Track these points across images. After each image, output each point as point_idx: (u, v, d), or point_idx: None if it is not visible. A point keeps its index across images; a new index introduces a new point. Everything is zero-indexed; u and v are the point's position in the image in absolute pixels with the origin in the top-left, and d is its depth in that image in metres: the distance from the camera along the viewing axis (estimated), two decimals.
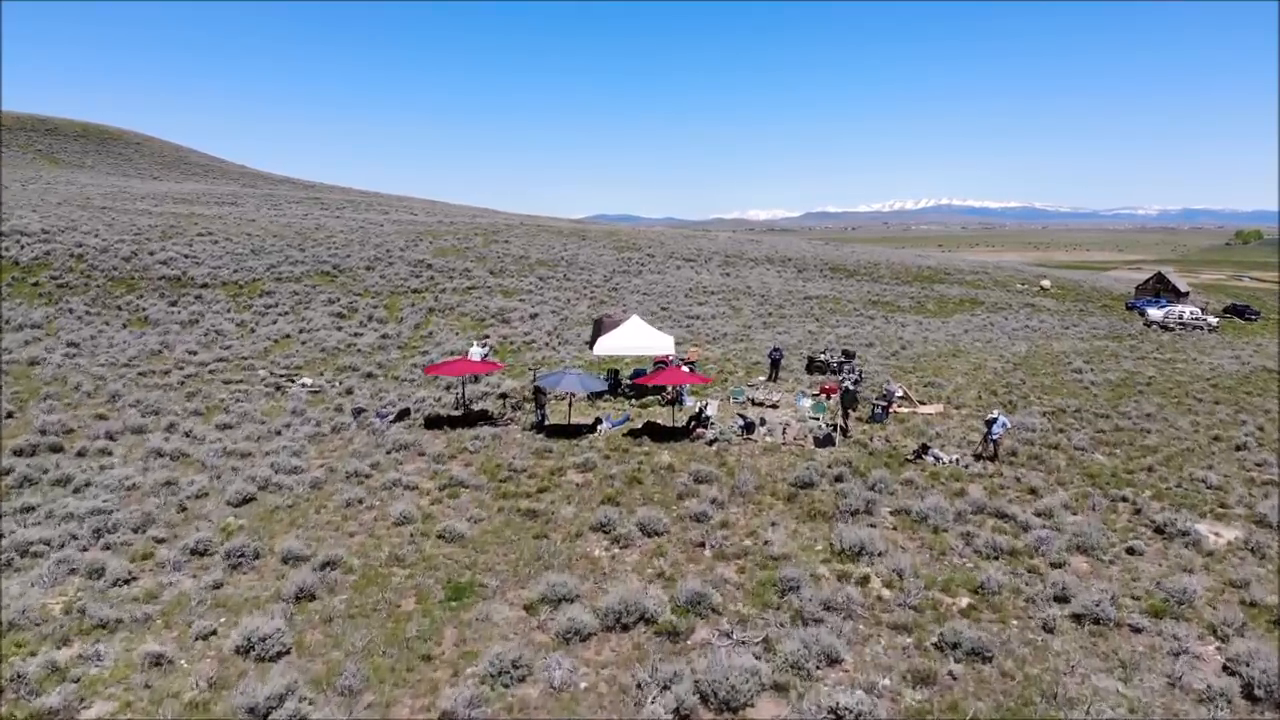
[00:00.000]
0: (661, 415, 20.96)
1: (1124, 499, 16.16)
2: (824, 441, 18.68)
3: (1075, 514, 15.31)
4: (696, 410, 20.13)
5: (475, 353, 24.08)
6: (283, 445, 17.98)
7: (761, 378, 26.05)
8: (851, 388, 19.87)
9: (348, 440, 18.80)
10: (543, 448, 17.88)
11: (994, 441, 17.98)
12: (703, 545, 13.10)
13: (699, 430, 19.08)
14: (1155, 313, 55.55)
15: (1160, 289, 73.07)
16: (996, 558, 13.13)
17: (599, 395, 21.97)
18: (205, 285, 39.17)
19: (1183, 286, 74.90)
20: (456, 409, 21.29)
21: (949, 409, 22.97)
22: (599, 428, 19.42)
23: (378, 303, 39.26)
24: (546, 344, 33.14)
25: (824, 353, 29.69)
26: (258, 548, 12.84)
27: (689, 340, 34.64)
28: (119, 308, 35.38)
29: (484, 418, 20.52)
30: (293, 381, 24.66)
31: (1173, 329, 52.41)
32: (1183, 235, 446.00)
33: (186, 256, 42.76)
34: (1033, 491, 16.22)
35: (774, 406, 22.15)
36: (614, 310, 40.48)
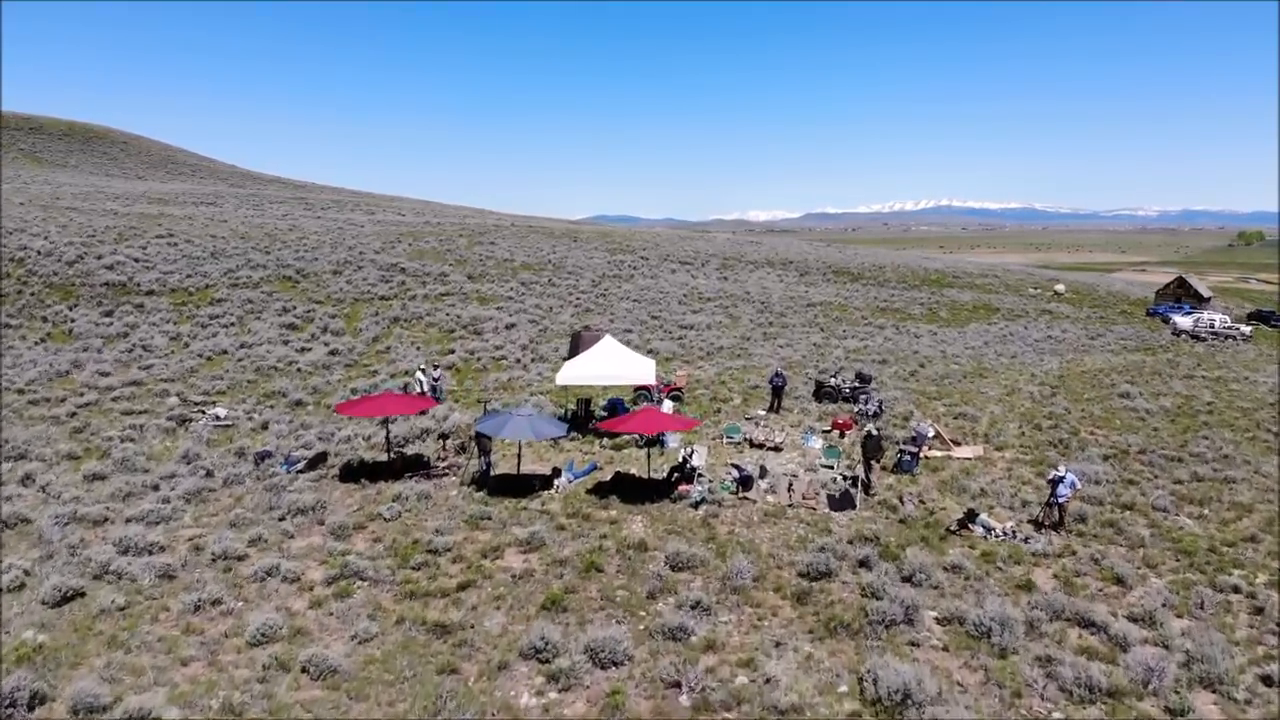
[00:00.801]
0: (637, 461, 17.00)
1: (1235, 589, 12.31)
2: (841, 502, 14.76)
3: (1180, 616, 11.45)
4: (680, 458, 16.16)
5: (419, 380, 20.15)
6: (151, 508, 14.03)
7: (762, 410, 21.84)
8: (874, 432, 15.88)
9: (237, 499, 14.87)
10: (479, 513, 13.90)
11: (1059, 505, 14.06)
12: (678, 686, 9.19)
13: (683, 486, 15.17)
14: (1184, 321, 51.69)
15: (1181, 294, 69.46)
16: (1093, 701, 9.26)
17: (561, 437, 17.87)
18: (150, 292, 35.37)
19: (1204, 291, 71.27)
20: (387, 452, 17.31)
21: (989, 450, 19.00)
22: (557, 482, 15.48)
23: (337, 311, 35.43)
24: (518, 361, 29.24)
25: (834, 375, 25.71)
26: (42, 690, 8.93)
27: (679, 356, 30.74)
28: (44, 319, 31.57)
29: (417, 465, 16.57)
30: (203, 412, 20.72)
31: (1205, 339, 48.54)
32: (1184, 236, 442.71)
33: (138, 260, 38.98)
34: (1119, 581, 12.28)
35: (777, 449, 18.16)
36: (597, 321, 36.63)
